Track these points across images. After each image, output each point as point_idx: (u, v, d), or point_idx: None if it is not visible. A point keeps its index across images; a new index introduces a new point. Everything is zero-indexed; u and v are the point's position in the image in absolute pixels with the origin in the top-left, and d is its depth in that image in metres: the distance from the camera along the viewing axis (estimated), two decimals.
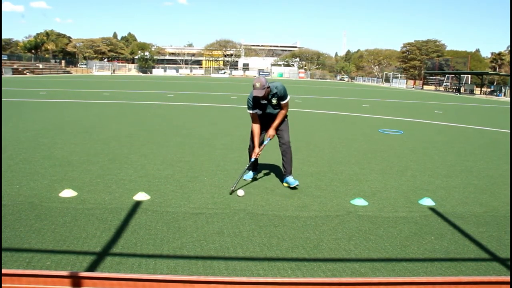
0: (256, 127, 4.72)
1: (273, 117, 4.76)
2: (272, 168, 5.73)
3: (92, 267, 2.76)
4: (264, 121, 4.80)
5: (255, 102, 4.62)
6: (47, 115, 10.84)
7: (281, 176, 5.25)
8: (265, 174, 5.40)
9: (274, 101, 4.65)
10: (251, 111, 4.66)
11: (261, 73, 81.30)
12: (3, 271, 1.76)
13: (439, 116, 15.09)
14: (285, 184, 4.91)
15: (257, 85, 4.44)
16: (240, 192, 4.49)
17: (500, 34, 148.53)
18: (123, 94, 20.24)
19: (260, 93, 4.44)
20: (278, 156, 6.54)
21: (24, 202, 3.98)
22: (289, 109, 4.90)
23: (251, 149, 4.93)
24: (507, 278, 1.89)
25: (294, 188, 4.77)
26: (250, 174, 5.14)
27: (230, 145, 7.35)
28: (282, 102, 4.69)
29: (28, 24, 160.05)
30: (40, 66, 57.66)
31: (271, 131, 4.74)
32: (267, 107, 4.71)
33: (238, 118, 11.70)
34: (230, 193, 4.50)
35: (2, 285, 1.73)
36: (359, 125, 11.27)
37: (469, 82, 52.77)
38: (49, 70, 57.89)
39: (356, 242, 3.34)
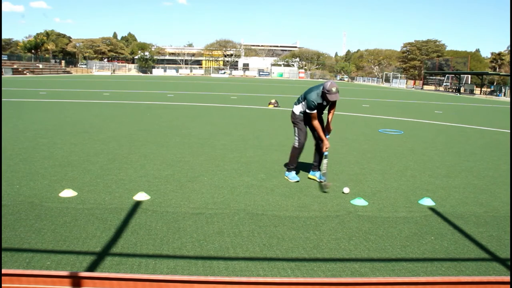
0: (318, 123, 4.95)
1: (322, 115, 5.14)
2: (272, 168, 5.73)
3: (92, 267, 2.76)
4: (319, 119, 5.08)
5: (319, 104, 4.87)
6: (47, 115, 10.84)
7: (282, 177, 5.27)
8: (265, 174, 5.39)
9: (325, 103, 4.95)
10: (314, 112, 4.86)
11: (261, 73, 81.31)
12: (3, 271, 1.76)
13: (439, 116, 15.09)
14: (311, 177, 5.25)
15: (334, 89, 4.67)
16: (346, 190, 4.69)
17: (500, 34, 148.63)
18: (123, 94, 20.24)
19: (337, 97, 4.72)
20: (277, 156, 6.54)
21: (24, 202, 3.98)
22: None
23: (300, 149, 5.10)
24: (507, 278, 1.89)
25: (320, 183, 5.02)
26: (294, 174, 5.17)
27: (229, 145, 7.35)
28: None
29: (28, 24, 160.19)
30: (40, 66, 57.65)
31: (330, 127, 5.11)
32: (322, 107, 5.02)
33: (238, 118, 11.70)
34: (325, 191, 4.73)
35: (2, 285, 1.73)
36: (359, 125, 11.27)
37: (469, 82, 52.73)
38: (49, 70, 57.88)
39: (356, 242, 3.34)
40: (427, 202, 4.43)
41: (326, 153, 5.02)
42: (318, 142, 5.14)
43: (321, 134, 4.94)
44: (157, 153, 6.45)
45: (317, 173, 5.21)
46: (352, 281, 1.87)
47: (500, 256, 3.20)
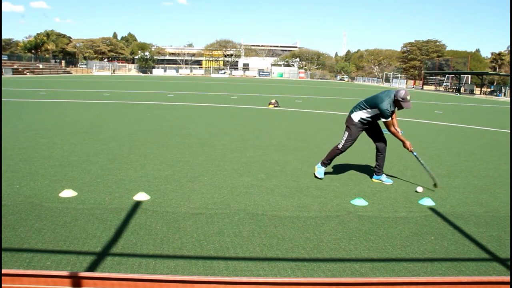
0: (393, 128, 5.06)
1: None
2: (272, 168, 5.73)
3: (92, 267, 2.76)
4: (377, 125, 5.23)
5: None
6: (47, 115, 10.84)
7: (282, 177, 5.27)
8: (265, 174, 5.39)
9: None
10: (389, 120, 4.95)
11: (261, 73, 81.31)
12: (4, 271, 1.76)
13: (439, 116, 15.09)
14: (375, 180, 5.26)
15: (409, 97, 4.84)
16: (419, 189, 4.83)
17: (500, 34, 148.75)
18: (123, 94, 20.24)
19: (411, 105, 4.92)
20: (277, 156, 6.54)
21: (24, 202, 3.98)
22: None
23: (341, 152, 5.20)
24: (507, 278, 1.89)
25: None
26: (322, 172, 5.26)
27: (229, 145, 7.35)
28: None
29: (27, 24, 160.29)
30: (40, 66, 57.63)
31: (399, 129, 5.16)
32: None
33: (238, 118, 11.70)
34: (436, 186, 4.92)
35: (3, 285, 1.73)
36: None
37: (469, 82, 52.76)
38: (49, 70, 57.87)
39: (356, 242, 3.34)
40: (427, 202, 4.43)
41: (414, 153, 5.12)
42: (377, 146, 5.20)
43: (400, 137, 5.00)
44: (157, 153, 6.45)
45: (382, 177, 5.21)
46: (352, 281, 1.87)
47: (500, 256, 3.20)
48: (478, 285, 1.85)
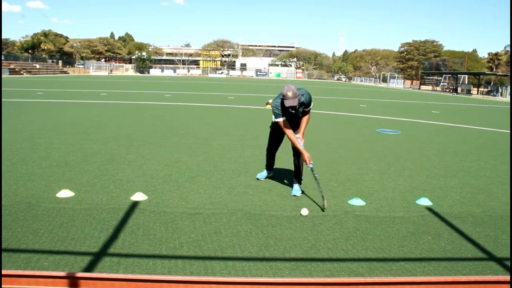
0: (291, 132, 4.35)
1: (297, 122, 4.54)
2: None
3: (89, 268, 2.75)
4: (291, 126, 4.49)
5: (284, 110, 4.32)
6: (44, 115, 10.81)
7: (280, 177, 5.28)
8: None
9: (300, 109, 4.43)
10: (281, 119, 4.34)
11: (258, 73, 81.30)
12: (3, 271, 1.76)
13: (437, 116, 15.13)
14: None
15: (290, 94, 4.10)
16: (304, 211, 3.92)
17: (497, 35, 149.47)
18: (121, 95, 20.20)
19: (294, 103, 4.12)
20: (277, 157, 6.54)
21: (21, 203, 3.97)
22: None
23: (270, 152, 5.07)
24: (505, 278, 1.90)
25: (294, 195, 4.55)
26: (264, 173, 5.17)
27: (227, 145, 7.35)
28: (306, 109, 4.49)
29: (24, 24, 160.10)
30: (37, 66, 57.45)
31: (300, 136, 4.47)
32: (293, 114, 4.46)
33: (236, 118, 11.70)
34: (323, 210, 4.04)
35: (2, 285, 1.73)
36: (357, 125, 11.29)
37: (466, 82, 52.87)
38: (46, 70, 57.70)
39: (353, 242, 3.34)
40: (425, 202, 4.44)
41: (311, 165, 4.27)
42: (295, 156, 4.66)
43: (297, 145, 4.34)
44: (155, 153, 6.44)
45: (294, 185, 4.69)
46: (349, 281, 1.87)
47: (497, 255, 3.21)
48: (475, 284, 1.86)
